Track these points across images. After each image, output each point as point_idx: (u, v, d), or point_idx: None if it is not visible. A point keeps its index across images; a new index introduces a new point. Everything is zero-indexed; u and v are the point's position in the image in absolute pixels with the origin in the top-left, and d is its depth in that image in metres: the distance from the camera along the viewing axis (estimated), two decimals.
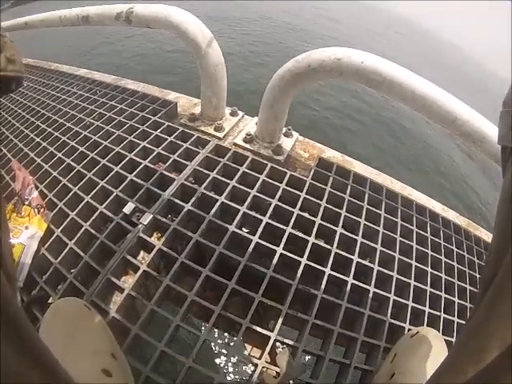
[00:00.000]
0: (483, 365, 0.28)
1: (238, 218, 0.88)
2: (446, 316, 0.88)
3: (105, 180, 0.97)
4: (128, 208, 0.88)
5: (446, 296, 0.93)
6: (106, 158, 1.03)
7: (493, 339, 0.28)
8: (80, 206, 0.90)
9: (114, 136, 1.12)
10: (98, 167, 1.01)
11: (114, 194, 0.93)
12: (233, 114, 1.26)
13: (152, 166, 1.00)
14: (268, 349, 0.69)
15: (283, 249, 0.84)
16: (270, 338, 0.70)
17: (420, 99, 0.87)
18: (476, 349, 0.29)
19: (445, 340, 0.77)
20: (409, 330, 0.81)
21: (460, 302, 0.94)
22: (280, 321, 0.73)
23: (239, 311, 0.75)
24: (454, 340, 0.85)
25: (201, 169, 1.01)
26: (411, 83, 0.86)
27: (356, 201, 1.05)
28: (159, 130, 1.14)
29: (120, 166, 1.01)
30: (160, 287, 0.73)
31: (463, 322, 0.90)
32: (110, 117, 1.22)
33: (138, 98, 1.32)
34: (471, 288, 1.00)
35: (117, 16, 1.14)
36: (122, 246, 0.80)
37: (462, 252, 1.09)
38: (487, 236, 1.24)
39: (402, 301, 0.86)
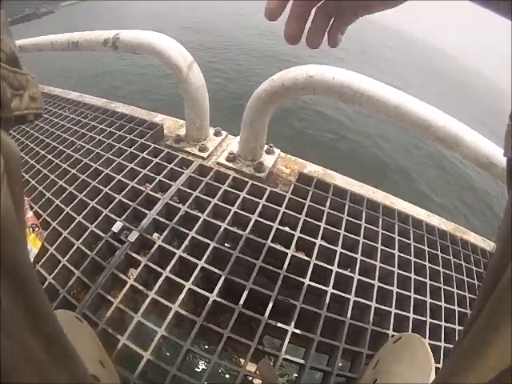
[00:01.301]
0: (485, 378, 0.29)
1: (219, 233, 0.96)
2: (432, 321, 0.93)
3: (95, 201, 1.05)
4: (116, 227, 0.96)
5: (432, 301, 0.98)
6: (96, 180, 1.12)
7: (493, 351, 0.28)
8: (72, 226, 0.99)
9: (103, 159, 1.21)
10: (88, 189, 1.10)
11: (104, 213, 1.01)
12: (216, 134, 1.35)
13: (139, 187, 1.09)
14: (249, 357, 0.74)
15: (262, 262, 0.91)
16: (250, 347, 0.75)
17: (392, 108, 0.93)
18: (476, 360, 0.30)
19: (431, 344, 0.82)
20: (392, 336, 0.84)
21: (447, 306, 0.99)
22: (260, 330, 0.78)
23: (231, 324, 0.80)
24: (441, 344, 0.89)
25: (184, 188, 1.10)
26: (382, 93, 0.93)
27: (336, 213, 1.13)
28: (146, 152, 1.23)
29: (109, 187, 1.09)
30: (146, 300, 0.81)
31: (451, 326, 0.95)
32: (100, 140, 1.32)
33: (126, 121, 1.42)
34: (459, 291, 1.05)
35: (104, 42, 1.23)
36: (111, 262, 0.88)
37: (447, 256, 1.14)
38: (475, 239, 1.29)
39: (384, 308, 0.91)
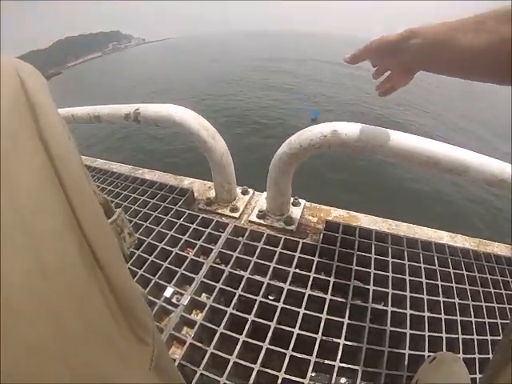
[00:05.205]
0: None
1: (263, 288, 1.20)
2: (464, 337, 1.10)
3: (142, 269, 1.29)
4: (168, 292, 1.20)
5: (462, 318, 1.16)
6: (140, 249, 1.37)
7: None
8: None
9: (142, 228, 1.47)
10: (133, 258, 1.35)
11: (153, 281, 1.25)
12: (244, 192, 1.63)
13: (182, 253, 1.34)
14: None
15: (305, 309, 1.13)
16: None
17: (402, 153, 1.11)
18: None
19: (465, 358, 1.01)
20: (428, 356, 1.01)
21: (477, 320, 1.16)
22: (310, 369, 0.99)
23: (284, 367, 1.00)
24: (475, 356, 1.06)
25: (224, 250, 1.35)
26: (391, 141, 1.10)
27: (364, 253, 1.35)
28: (182, 219, 1.50)
29: (154, 255, 1.34)
30: (205, 355, 1.02)
31: (484, 338, 1.12)
32: (136, 209, 1.59)
33: (156, 189, 1.71)
34: (487, 304, 1.22)
35: (125, 117, 1.48)
36: (168, 324, 1.11)
37: (472, 273, 1.32)
38: (499, 248, 1.49)
39: (418, 333, 1.09)
